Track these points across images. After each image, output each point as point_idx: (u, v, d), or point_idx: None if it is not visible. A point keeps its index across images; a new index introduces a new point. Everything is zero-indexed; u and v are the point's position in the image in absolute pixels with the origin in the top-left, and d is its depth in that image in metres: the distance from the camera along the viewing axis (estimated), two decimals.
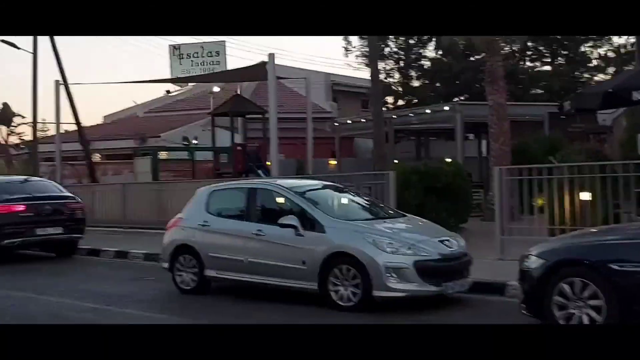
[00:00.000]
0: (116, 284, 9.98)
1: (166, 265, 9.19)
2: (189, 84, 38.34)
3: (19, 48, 21.14)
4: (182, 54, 36.12)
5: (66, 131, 32.63)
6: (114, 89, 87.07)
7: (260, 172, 20.65)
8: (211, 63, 35.70)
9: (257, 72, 17.65)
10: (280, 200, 8.40)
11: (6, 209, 12.70)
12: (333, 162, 26.91)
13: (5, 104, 28.97)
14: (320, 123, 34.74)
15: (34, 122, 21.75)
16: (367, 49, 29.45)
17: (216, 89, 27.54)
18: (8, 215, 12.67)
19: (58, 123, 20.57)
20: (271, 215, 8.33)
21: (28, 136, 31.61)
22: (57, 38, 20.98)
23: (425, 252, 7.43)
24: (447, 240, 7.85)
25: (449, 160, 17.07)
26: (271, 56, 14.52)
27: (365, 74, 32.48)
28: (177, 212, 16.35)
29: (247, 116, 23.93)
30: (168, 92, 38.58)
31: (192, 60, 35.96)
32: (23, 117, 30.28)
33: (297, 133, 27.63)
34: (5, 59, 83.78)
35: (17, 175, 21.14)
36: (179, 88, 39.06)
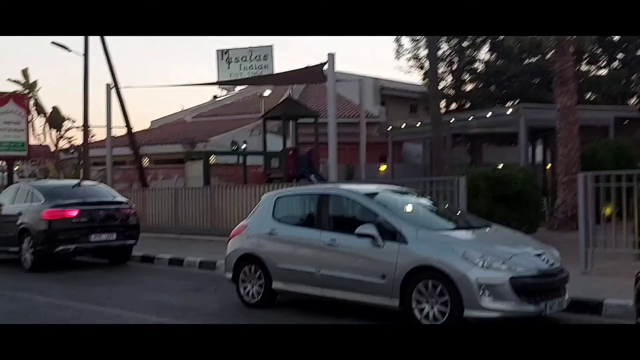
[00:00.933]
0: (177, 295, 9.48)
1: (230, 275, 8.65)
2: (236, 88, 38.17)
3: (70, 50, 21.03)
4: (230, 58, 36.11)
5: (113, 136, 32.68)
6: (160, 94, 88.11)
7: (312, 177, 20.06)
8: (259, 67, 35.52)
9: (314, 74, 17.08)
10: (355, 207, 7.75)
11: (59, 215, 12.35)
12: (384, 167, 26.19)
13: (55, 108, 29.03)
14: (368, 128, 34.15)
15: (85, 125, 21.55)
16: (419, 51, 28.71)
17: (267, 92, 27.04)
18: (62, 221, 12.32)
19: (109, 127, 20.35)
20: (346, 223, 7.70)
21: (77, 140, 31.61)
22: (108, 41, 20.80)
23: (521, 267, 6.69)
24: (543, 253, 7.10)
25: (500, 166, 16.19)
26: (331, 57, 13.87)
27: (415, 77, 31.67)
28: (230, 218, 16.07)
29: (299, 120, 23.34)
30: (215, 97, 38.44)
31: (240, 64, 35.92)
32: (73, 120, 30.38)
33: (345, 138, 27.06)
34: (55, 62, 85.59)
35: (67, 179, 21.06)
36: (225, 93, 38.92)
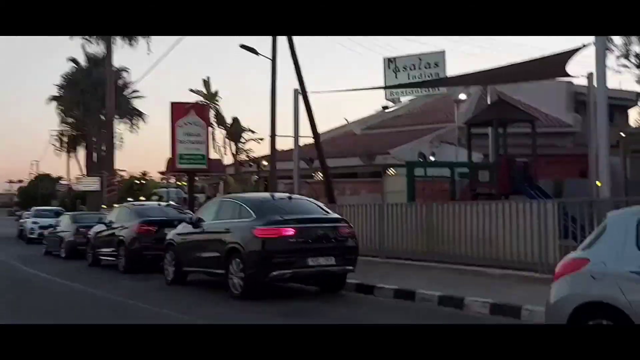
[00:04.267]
0: None
1: None
2: (403, 99, 35.79)
3: (258, 54, 19.56)
4: (398, 67, 34.06)
5: (283, 150, 31.20)
6: (321, 108, 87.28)
7: (532, 193, 16.91)
8: (430, 75, 33.01)
9: (550, 67, 14.03)
10: None
11: (276, 233, 10.28)
12: (600, 183, 22.39)
13: (235, 119, 28.01)
14: (559, 138, 30.26)
15: (272, 134, 19.93)
16: (633, 46, 24.64)
17: (462, 96, 24.17)
18: (277, 241, 10.24)
19: (296, 136, 18.48)
20: None
21: (255, 152, 30.34)
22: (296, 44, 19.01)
23: None
24: None
25: None
26: (601, 42, 10.60)
27: (626, 78, 27.43)
28: (452, 240, 13.33)
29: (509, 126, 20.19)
30: (385, 108, 36.34)
31: (408, 73, 33.77)
32: (253, 132, 29.24)
33: (540, 150, 23.69)
34: (232, 74, 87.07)
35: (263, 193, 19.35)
36: (393, 104, 36.78)
